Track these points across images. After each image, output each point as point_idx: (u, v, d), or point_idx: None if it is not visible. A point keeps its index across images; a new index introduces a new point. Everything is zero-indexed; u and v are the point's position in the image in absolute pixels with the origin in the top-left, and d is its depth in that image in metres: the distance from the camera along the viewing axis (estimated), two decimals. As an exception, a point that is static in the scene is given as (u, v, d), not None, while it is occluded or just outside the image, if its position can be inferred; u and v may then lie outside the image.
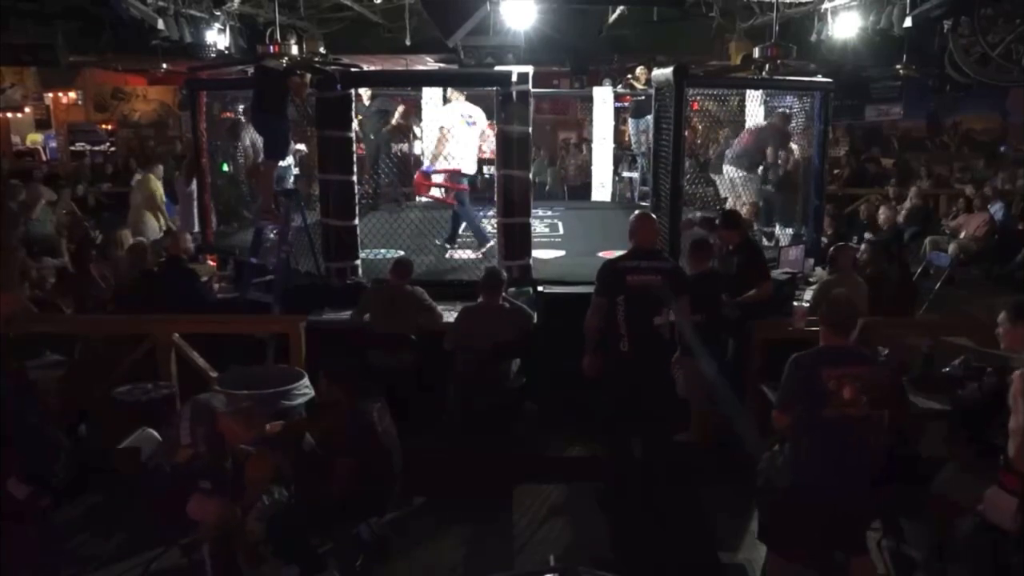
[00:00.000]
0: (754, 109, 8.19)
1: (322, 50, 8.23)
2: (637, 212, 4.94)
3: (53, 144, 16.37)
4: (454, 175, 7.17)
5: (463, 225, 7.49)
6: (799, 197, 7.79)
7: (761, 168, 8.07)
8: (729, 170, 7.91)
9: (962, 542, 3.60)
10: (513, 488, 4.72)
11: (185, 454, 3.55)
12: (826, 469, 3.27)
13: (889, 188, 11.72)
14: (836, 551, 3.44)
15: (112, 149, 16.12)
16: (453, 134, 7.13)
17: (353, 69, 7.00)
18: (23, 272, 6.83)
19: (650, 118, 7.76)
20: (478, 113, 7.25)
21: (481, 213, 7.40)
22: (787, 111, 7.99)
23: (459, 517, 4.41)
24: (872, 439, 3.29)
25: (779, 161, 8.02)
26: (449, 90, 7.71)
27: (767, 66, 7.02)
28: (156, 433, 4.03)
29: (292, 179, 7.95)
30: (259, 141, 7.15)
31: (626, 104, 10.26)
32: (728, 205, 7.67)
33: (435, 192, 7.45)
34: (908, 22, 7.21)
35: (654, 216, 4.97)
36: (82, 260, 7.37)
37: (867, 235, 9.13)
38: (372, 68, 8.52)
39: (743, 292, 5.34)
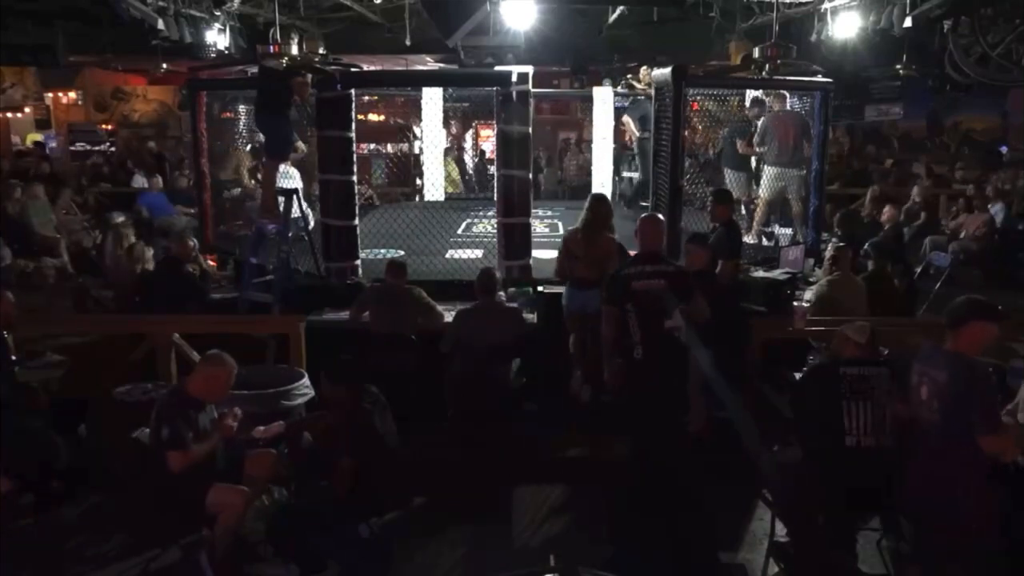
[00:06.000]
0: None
1: (322, 50, 8.23)
2: (644, 215, 4.86)
3: (53, 144, 16.35)
4: None
5: None
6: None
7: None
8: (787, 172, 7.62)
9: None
10: (513, 488, 4.72)
11: None
12: None
13: (879, 187, 11.68)
14: None
15: (112, 149, 16.10)
16: None
17: (353, 69, 7.00)
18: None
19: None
20: None
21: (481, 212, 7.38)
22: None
23: (459, 517, 4.40)
24: None
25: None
26: None
27: (767, 66, 7.02)
28: None
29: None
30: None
31: (626, 105, 10.22)
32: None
33: None
34: (908, 22, 7.21)
35: (661, 217, 4.86)
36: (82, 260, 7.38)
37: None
38: (372, 68, 8.52)
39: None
